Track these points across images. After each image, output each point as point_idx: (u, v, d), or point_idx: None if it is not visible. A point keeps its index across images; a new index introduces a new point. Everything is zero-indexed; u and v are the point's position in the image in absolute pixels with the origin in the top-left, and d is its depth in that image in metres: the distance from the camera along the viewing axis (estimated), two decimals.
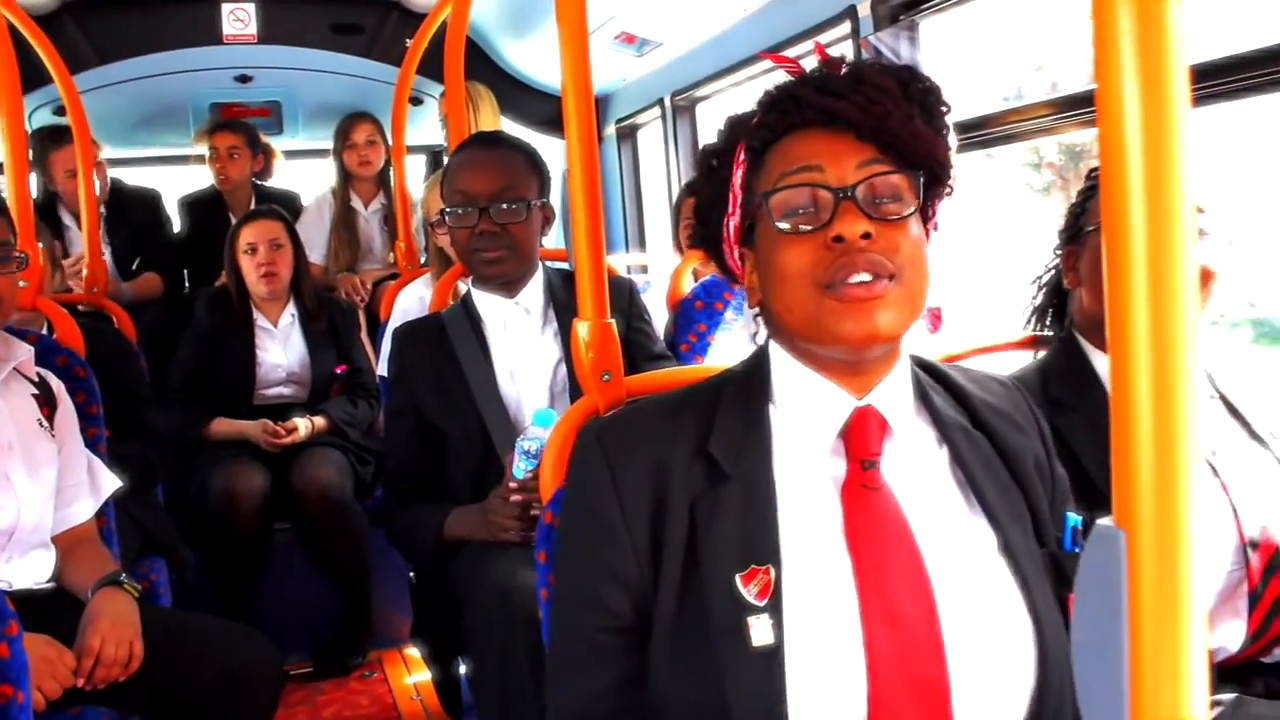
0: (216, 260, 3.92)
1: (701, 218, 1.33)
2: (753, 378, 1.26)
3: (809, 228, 1.14)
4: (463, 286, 2.84)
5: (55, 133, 4.25)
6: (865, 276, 1.11)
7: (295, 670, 3.48)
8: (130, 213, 4.51)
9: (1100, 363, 1.72)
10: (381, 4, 4.82)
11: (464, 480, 2.22)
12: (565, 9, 1.56)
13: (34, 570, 2.16)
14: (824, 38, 3.12)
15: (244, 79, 5.05)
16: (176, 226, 4.83)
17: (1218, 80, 1.97)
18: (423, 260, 3.93)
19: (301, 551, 3.56)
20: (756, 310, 1.30)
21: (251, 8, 4.67)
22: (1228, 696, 1.50)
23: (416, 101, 5.02)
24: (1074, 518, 1.22)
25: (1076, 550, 1.21)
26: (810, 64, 1.25)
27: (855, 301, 1.10)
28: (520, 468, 2.01)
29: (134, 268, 4.51)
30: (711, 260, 1.36)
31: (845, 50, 3.00)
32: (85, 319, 2.85)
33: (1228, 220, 1.63)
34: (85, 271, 3.41)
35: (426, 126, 5.24)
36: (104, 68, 4.58)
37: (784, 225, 1.15)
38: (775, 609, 1.09)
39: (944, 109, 1.21)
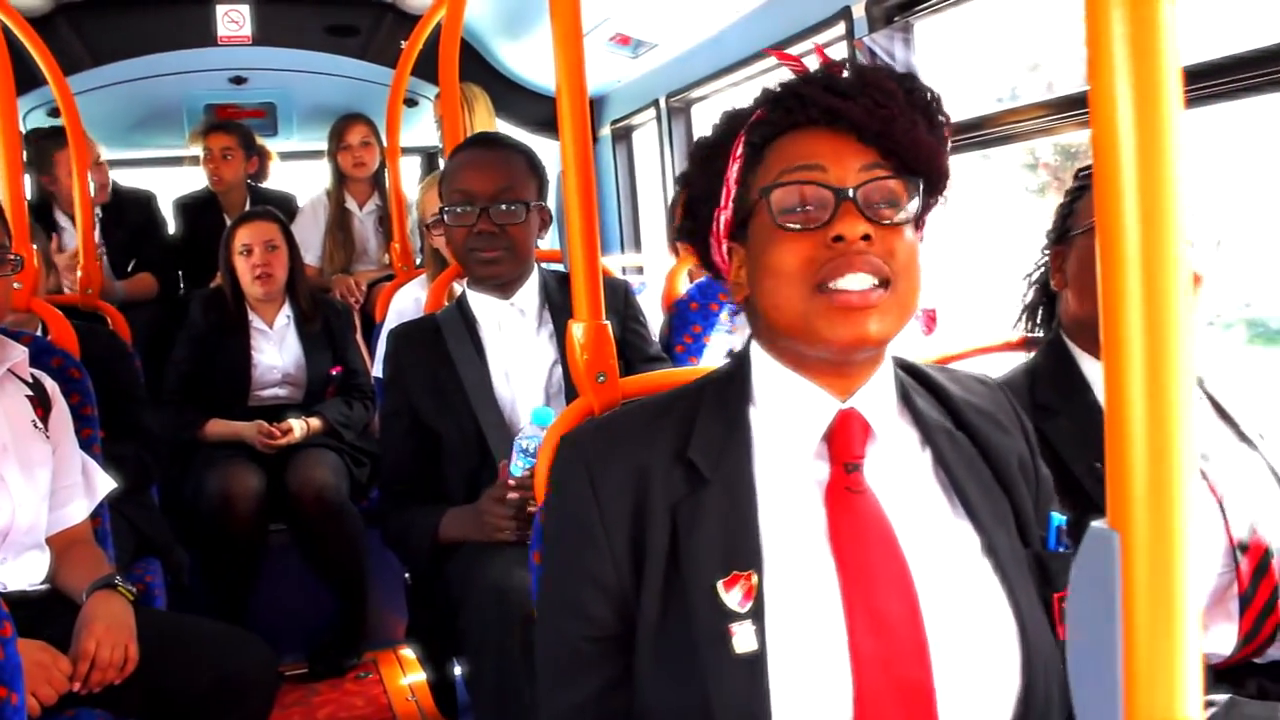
0: (211, 262, 3.92)
1: (690, 210, 1.32)
2: (733, 380, 1.25)
3: (808, 226, 1.13)
4: (458, 288, 2.84)
5: (58, 133, 4.25)
6: (863, 277, 1.10)
7: (290, 671, 3.48)
8: (126, 214, 4.50)
9: (1088, 366, 1.71)
10: (376, 6, 4.82)
11: (459, 481, 2.22)
12: (560, 10, 1.56)
13: (28, 572, 2.16)
14: (818, 39, 3.12)
15: (238, 80, 5.04)
16: (171, 228, 4.82)
17: (1211, 82, 1.97)
18: (418, 261, 3.93)
19: (297, 553, 3.56)
20: (737, 308, 1.30)
21: (246, 9, 4.67)
22: (1221, 697, 1.50)
23: (411, 103, 5.02)
24: (1058, 517, 1.22)
25: (1061, 550, 1.22)
26: (811, 65, 1.25)
27: (847, 310, 1.10)
28: (518, 466, 2.01)
29: (129, 269, 4.50)
30: (696, 254, 1.35)
31: (839, 51, 3.00)
32: (80, 320, 2.84)
33: (1214, 222, 1.63)
34: (80, 271, 3.40)
35: (421, 128, 5.24)
36: (98, 69, 4.58)
37: (783, 221, 1.14)
38: (758, 615, 1.09)
39: (944, 118, 1.21)
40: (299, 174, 5.56)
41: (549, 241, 2.98)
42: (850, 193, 1.13)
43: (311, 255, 4.47)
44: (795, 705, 1.07)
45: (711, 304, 3.07)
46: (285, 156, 5.28)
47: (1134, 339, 0.62)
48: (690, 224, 1.32)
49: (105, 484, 2.36)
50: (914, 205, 1.16)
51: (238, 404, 3.67)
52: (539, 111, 4.97)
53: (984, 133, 2.70)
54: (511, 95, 4.94)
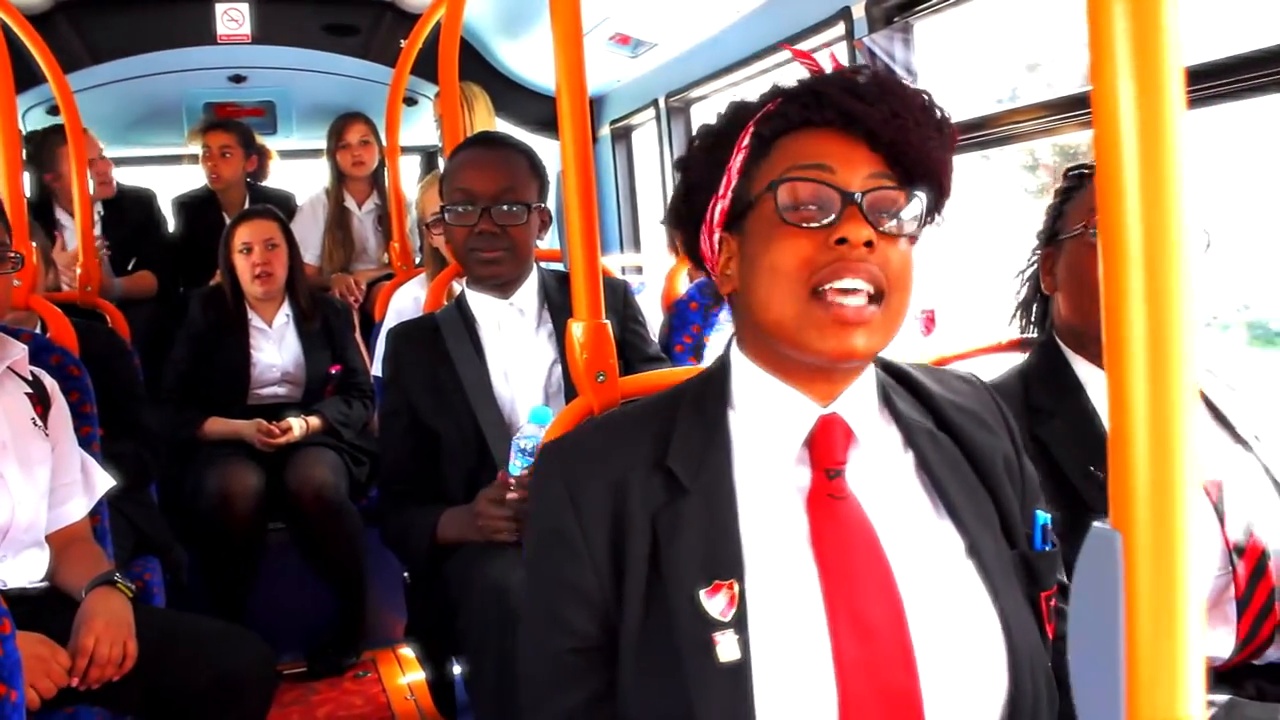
0: (210, 260, 3.92)
1: (685, 196, 1.30)
2: (712, 384, 1.24)
3: (812, 224, 1.12)
4: (457, 287, 2.84)
5: (62, 129, 4.25)
6: (859, 283, 1.10)
7: (289, 670, 3.48)
8: (127, 212, 4.51)
9: (1081, 368, 1.70)
10: (376, 4, 4.82)
11: (458, 481, 2.22)
12: (560, 10, 1.56)
13: (28, 569, 2.16)
14: (818, 39, 3.12)
15: (238, 79, 5.04)
16: (170, 226, 4.82)
17: (1213, 82, 1.97)
18: (417, 261, 3.93)
19: (296, 552, 3.56)
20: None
21: (245, 8, 4.67)
22: (1221, 698, 1.50)
23: (411, 102, 5.02)
24: (1043, 515, 1.22)
25: (1047, 549, 1.21)
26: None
27: (839, 322, 1.10)
28: (516, 465, 2.01)
29: (129, 267, 4.50)
30: (682, 241, 1.33)
31: (840, 51, 3.00)
32: (79, 318, 2.84)
33: (1205, 223, 1.63)
34: (80, 269, 3.40)
35: (420, 127, 5.24)
36: (98, 67, 4.58)
37: (787, 217, 1.13)
38: (741, 624, 1.08)
39: (954, 138, 1.21)
40: (298, 173, 5.55)
41: (548, 241, 2.99)
42: (858, 197, 1.12)
43: (310, 254, 4.47)
44: (780, 714, 1.06)
45: (711, 304, 3.07)
46: (284, 155, 5.29)
47: (1136, 339, 0.62)
48: (683, 209, 1.30)
49: (104, 482, 2.36)
50: (916, 218, 1.16)
51: (237, 402, 3.67)
52: (538, 111, 4.97)
53: (984, 133, 2.70)
54: (511, 94, 4.94)
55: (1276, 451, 1.69)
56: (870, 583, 1.10)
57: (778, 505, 1.16)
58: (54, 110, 4.41)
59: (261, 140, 4.92)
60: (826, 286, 1.10)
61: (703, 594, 1.10)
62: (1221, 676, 1.59)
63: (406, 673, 3.53)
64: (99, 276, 3.47)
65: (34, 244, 2.88)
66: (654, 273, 4.33)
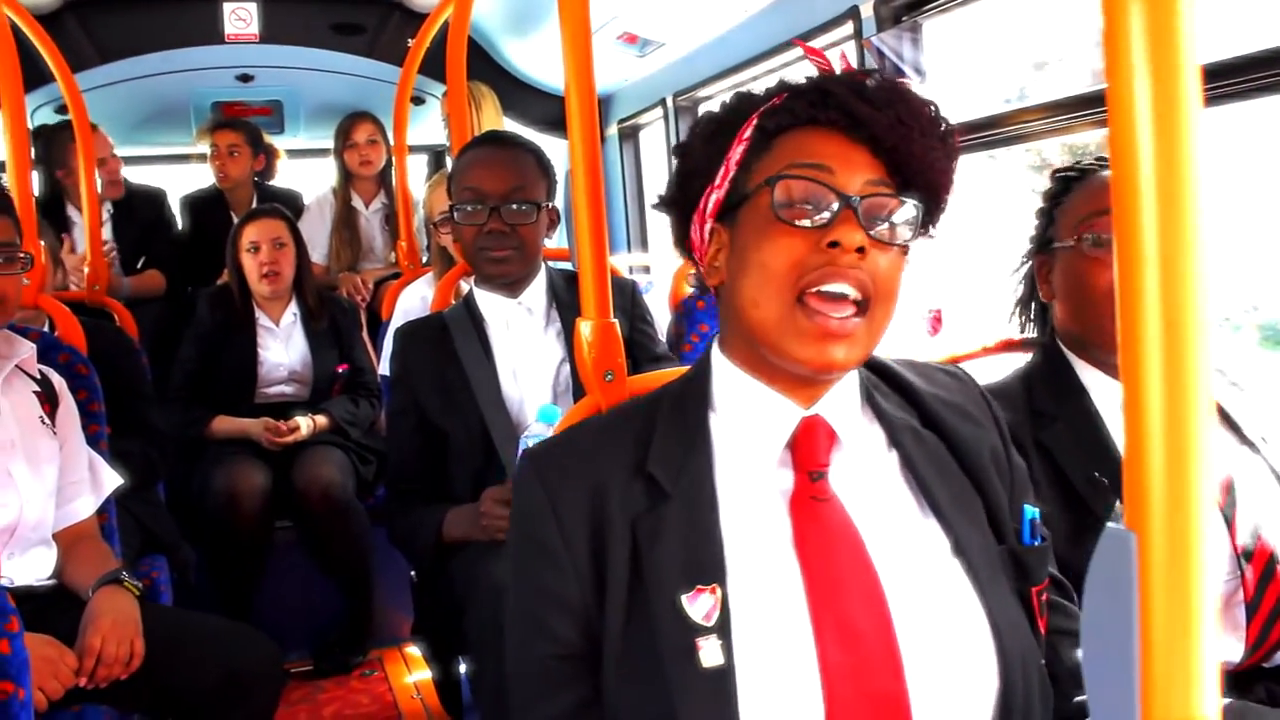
0: (217, 259, 3.92)
1: (680, 182, 1.29)
2: (693, 387, 1.23)
3: (806, 223, 1.11)
4: (465, 286, 2.84)
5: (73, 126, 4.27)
6: (847, 289, 1.09)
7: (296, 669, 3.48)
8: (137, 211, 4.52)
9: (1084, 372, 1.68)
10: (383, 4, 4.82)
11: (465, 480, 2.22)
12: (568, 9, 1.55)
13: (35, 567, 2.17)
14: (827, 38, 3.12)
15: (245, 78, 5.05)
16: (179, 225, 4.83)
17: (1228, 80, 1.95)
18: (424, 260, 3.93)
19: (302, 550, 3.57)
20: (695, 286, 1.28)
21: (253, 7, 4.67)
22: (1229, 702, 1.49)
23: (418, 101, 5.02)
24: (1031, 510, 1.21)
25: (1036, 543, 1.20)
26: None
27: (823, 333, 1.09)
28: None
29: (139, 266, 4.51)
30: (672, 228, 1.32)
31: (848, 51, 3.00)
32: (87, 317, 2.84)
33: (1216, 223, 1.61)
34: (88, 268, 3.41)
35: (427, 126, 5.24)
36: (106, 66, 4.58)
37: (781, 214, 1.12)
38: (724, 629, 1.07)
39: (956, 152, 1.20)
40: (305, 172, 5.56)
41: (556, 240, 2.99)
42: (855, 200, 1.11)
43: (318, 253, 4.48)
44: (766, 719, 1.05)
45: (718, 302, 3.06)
46: (292, 154, 5.30)
47: (1152, 339, 0.61)
48: (677, 195, 1.29)
49: (112, 480, 2.37)
50: (911, 228, 1.15)
51: (244, 401, 3.68)
52: (546, 110, 4.97)
53: (992, 133, 2.70)
54: (518, 94, 4.94)
55: None
56: (855, 585, 1.09)
57: (760, 509, 1.15)
58: (62, 109, 4.42)
59: (269, 139, 4.93)
60: (814, 290, 1.09)
61: (685, 599, 1.08)
62: (1230, 680, 1.58)
63: (413, 671, 3.53)
64: (107, 275, 3.47)
65: (42, 243, 2.88)
66: (661, 272, 4.33)
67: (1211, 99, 1.94)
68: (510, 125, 4.55)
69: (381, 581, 3.57)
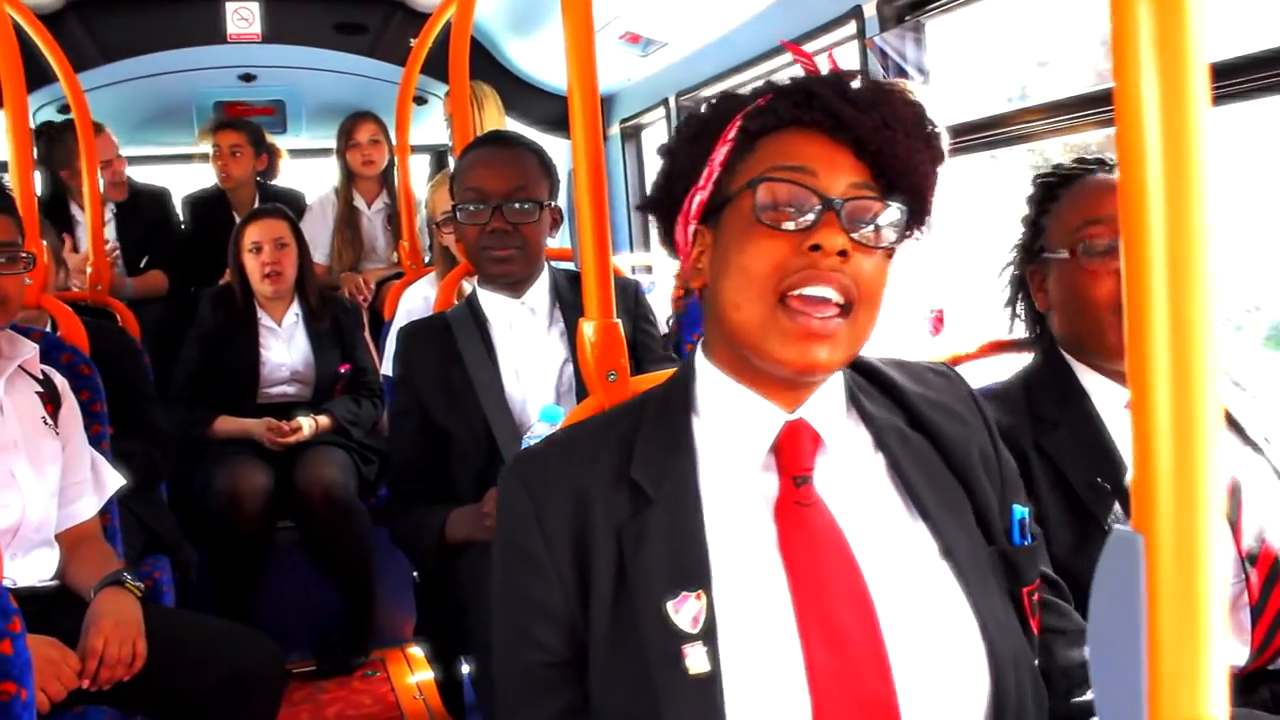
0: (220, 259, 3.93)
1: (664, 184, 1.27)
2: (677, 391, 1.22)
3: (788, 226, 1.10)
4: (467, 286, 2.84)
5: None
6: (829, 292, 1.08)
7: (298, 669, 3.49)
8: (141, 211, 4.52)
9: (1085, 376, 1.67)
10: (385, 3, 4.82)
11: (468, 480, 2.22)
12: (571, 9, 1.55)
13: (38, 568, 2.17)
14: (829, 38, 3.12)
15: (248, 78, 5.05)
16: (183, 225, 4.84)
17: (1231, 80, 1.95)
18: (427, 259, 3.93)
19: (304, 551, 3.57)
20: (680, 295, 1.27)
21: (256, 7, 4.67)
22: (1235, 711, 1.48)
23: (420, 101, 5.02)
24: (1020, 510, 1.20)
25: (1026, 543, 1.19)
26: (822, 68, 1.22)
27: (805, 334, 1.08)
28: None
29: (142, 266, 4.51)
30: (658, 229, 1.31)
31: (851, 50, 2.99)
32: (89, 317, 2.84)
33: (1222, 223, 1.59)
34: (90, 268, 3.41)
35: (429, 126, 5.24)
36: (108, 66, 4.59)
37: (763, 216, 1.11)
38: (709, 636, 1.06)
39: (943, 155, 1.19)
40: (308, 172, 5.56)
41: (559, 240, 2.98)
42: (837, 203, 1.10)
43: (320, 253, 4.48)
44: None
45: None
46: (294, 154, 5.31)
47: (1159, 340, 0.61)
48: (661, 196, 1.28)
49: (114, 480, 2.37)
50: (895, 231, 1.14)
51: (246, 401, 3.68)
52: (548, 110, 4.97)
53: (994, 133, 2.69)
54: (520, 94, 4.94)
55: None
56: (841, 590, 1.08)
57: (745, 514, 1.14)
58: (65, 109, 4.42)
59: (271, 139, 4.93)
60: (795, 293, 1.08)
61: (670, 606, 1.07)
62: (1235, 684, 1.57)
63: (415, 672, 3.53)
64: (109, 276, 3.48)
65: (45, 243, 2.88)
66: (664, 272, 4.32)
67: (1217, 98, 1.93)
68: (512, 125, 4.55)
69: (383, 582, 3.57)
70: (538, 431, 2.01)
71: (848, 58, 3.03)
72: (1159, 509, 0.62)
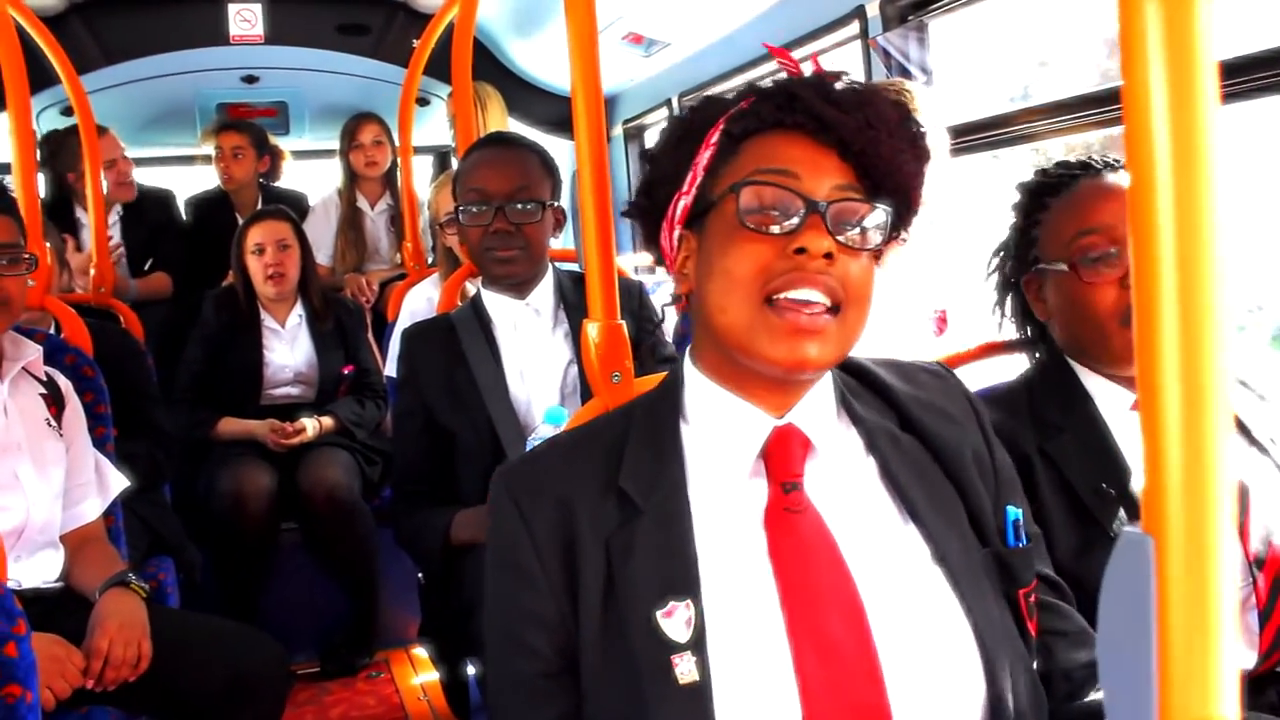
0: (222, 260, 3.93)
1: (649, 189, 1.27)
2: (666, 398, 1.21)
3: (772, 230, 1.09)
4: (471, 288, 2.84)
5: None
6: (816, 295, 1.07)
7: (302, 670, 3.49)
8: (146, 212, 4.52)
9: (1090, 380, 1.65)
10: (388, 4, 4.82)
11: (473, 481, 2.21)
12: (574, 9, 1.55)
13: (42, 570, 2.17)
14: (833, 38, 3.12)
15: (250, 79, 5.06)
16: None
17: (1238, 79, 1.94)
18: (430, 261, 3.93)
19: (308, 552, 3.57)
20: (670, 300, 1.27)
21: (258, 8, 4.68)
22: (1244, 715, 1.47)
23: (423, 102, 5.02)
24: (1014, 511, 1.18)
25: (1020, 544, 1.18)
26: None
27: (793, 330, 1.07)
28: None
29: (146, 268, 4.51)
30: (642, 236, 1.30)
31: (854, 50, 2.99)
32: (93, 318, 2.85)
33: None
34: (93, 270, 3.42)
35: (432, 127, 5.24)
36: (111, 68, 4.59)
37: (747, 220, 1.10)
38: (699, 646, 1.05)
39: (927, 155, 1.19)
40: (311, 173, 5.56)
41: (563, 241, 2.98)
42: (822, 206, 1.09)
43: (323, 254, 4.47)
44: None
45: None
46: (297, 155, 5.30)
47: (1169, 339, 0.61)
48: (645, 202, 1.27)
49: (118, 482, 2.37)
50: (880, 232, 1.13)
51: (250, 403, 3.68)
52: (551, 111, 4.97)
53: (997, 133, 2.69)
54: (523, 94, 4.94)
55: None
56: (832, 597, 1.07)
57: (734, 522, 1.12)
58: (68, 111, 4.42)
59: (275, 141, 4.93)
60: (780, 296, 1.07)
61: (659, 615, 1.07)
62: (1243, 687, 1.55)
63: (419, 673, 3.53)
64: (113, 277, 3.48)
65: (48, 244, 2.88)
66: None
67: (1225, 97, 1.92)
68: (515, 126, 4.55)
69: (387, 583, 3.57)
70: (542, 432, 2.01)
71: (850, 58, 3.03)
72: (1169, 510, 0.62)
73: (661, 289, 3.67)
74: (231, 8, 4.65)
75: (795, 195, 1.10)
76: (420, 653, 3.61)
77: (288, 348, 3.74)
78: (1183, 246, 0.60)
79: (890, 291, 2.21)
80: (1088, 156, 1.68)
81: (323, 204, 4.69)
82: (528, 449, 2.02)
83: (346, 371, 3.78)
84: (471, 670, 2.29)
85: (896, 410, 1.23)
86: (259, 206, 4.44)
